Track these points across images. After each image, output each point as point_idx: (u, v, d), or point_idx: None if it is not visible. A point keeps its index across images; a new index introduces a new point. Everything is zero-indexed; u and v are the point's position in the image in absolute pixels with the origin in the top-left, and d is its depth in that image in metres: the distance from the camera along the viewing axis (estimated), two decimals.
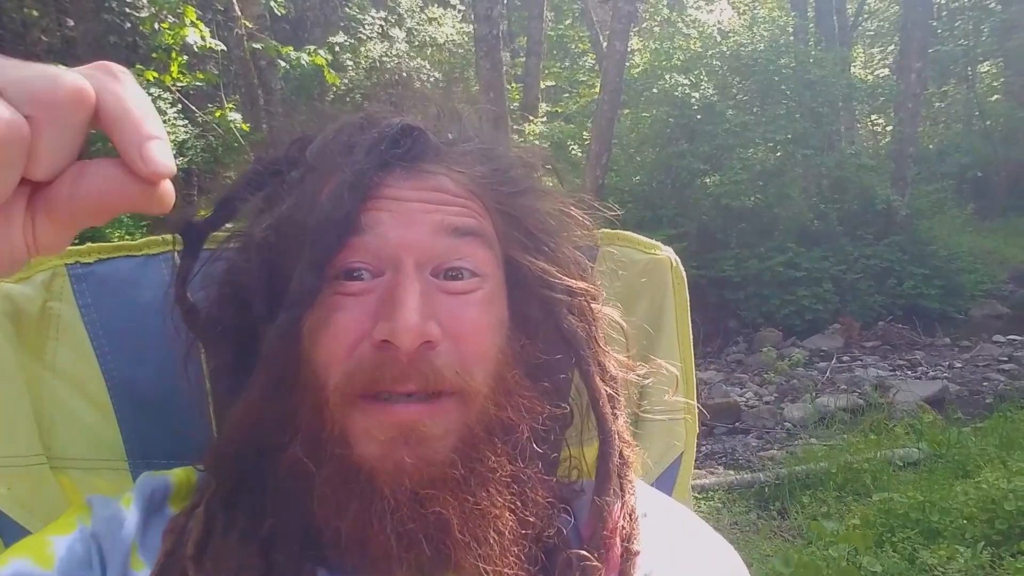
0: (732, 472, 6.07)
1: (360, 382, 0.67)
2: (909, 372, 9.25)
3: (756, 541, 4.56)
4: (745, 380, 9.16)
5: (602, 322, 0.82)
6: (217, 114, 7.93)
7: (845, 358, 10.04)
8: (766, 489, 5.38)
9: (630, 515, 0.76)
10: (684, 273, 1.01)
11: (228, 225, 0.83)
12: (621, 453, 0.78)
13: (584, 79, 18.35)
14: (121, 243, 0.93)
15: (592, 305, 0.81)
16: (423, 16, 14.78)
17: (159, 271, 0.92)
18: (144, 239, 0.94)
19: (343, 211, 0.68)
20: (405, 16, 14.33)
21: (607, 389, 0.79)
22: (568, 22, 20.27)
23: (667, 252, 1.01)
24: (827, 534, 4.13)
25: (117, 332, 0.90)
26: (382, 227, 0.70)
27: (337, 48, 11.75)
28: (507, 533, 0.69)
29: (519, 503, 0.71)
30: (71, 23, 16.18)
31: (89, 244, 0.93)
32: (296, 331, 0.69)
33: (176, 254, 0.92)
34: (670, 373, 0.89)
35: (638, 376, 0.84)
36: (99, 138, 0.47)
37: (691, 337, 1.01)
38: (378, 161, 0.71)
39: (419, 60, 13.32)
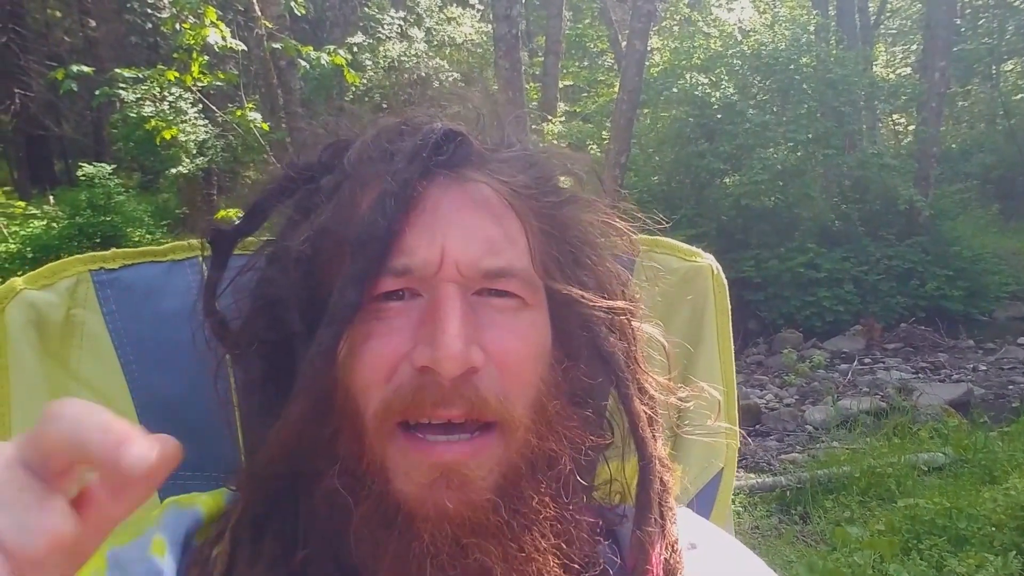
0: (753, 475, 6.01)
1: (399, 409, 0.64)
2: (932, 375, 9.14)
3: (778, 546, 4.50)
4: (765, 382, 9.09)
5: (641, 340, 0.79)
6: (237, 114, 7.94)
7: (867, 360, 9.94)
8: (787, 493, 5.32)
9: (672, 546, 0.73)
10: (725, 281, 0.98)
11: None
12: (662, 479, 0.75)
13: (603, 78, 18.32)
14: (146, 248, 0.91)
15: (632, 323, 0.78)
16: (442, 16, 14.80)
17: (184, 277, 0.90)
18: (169, 244, 0.92)
19: (385, 223, 0.65)
20: (424, 16, 14.36)
21: (647, 411, 0.75)
22: (587, 21, 20.22)
23: (708, 259, 0.98)
24: (852, 540, 4.07)
25: (142, 340, 0.88)
26: (425, 244, 0.66)
27: (356, 48, 11.77)
28: None
29: (563, 545, 0.67)
30: (93, 24, 16.33)
31: (113, 249, 0.91)
32: (336, 349, 0.66)
33: (203, 260, 0.90)
34: (712, 397, 0.85)
35: (679, 400, 0.81)
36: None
37: (732, 347, 0.98)
38: (421, 169, 0.68)
39: (438, 60, 13.32)
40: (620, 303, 0.75)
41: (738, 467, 6.49)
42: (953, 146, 18.73)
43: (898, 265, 12.06)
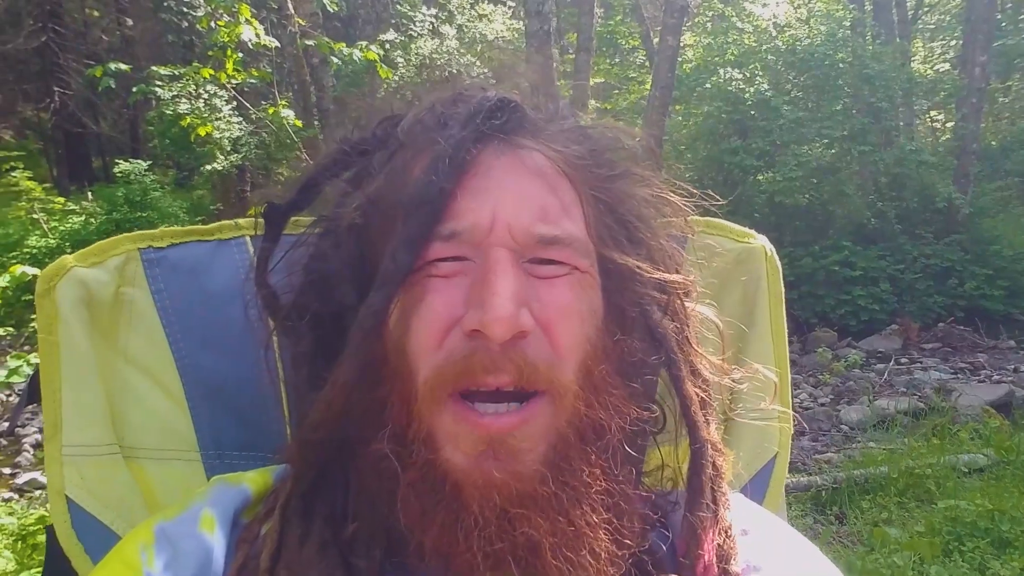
0: (788, 475, 5.92)
1: (451, 376, 0.63)
2: (972, 375, 8.96)
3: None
4: (800, 381, 8.96)
5: (695, 321, 0.77)
6: (270, 111, 8.01)
7: (903, 360, 9.77)
8: (823, 493, 5.24)
9: (726, 532, 0.71)
10: (779, 263, 0.95)
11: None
12: (714, 463, 0.73)
13: (635, 75, 18.22)
14: (193, 227, 0.92)
15: (684, 303, 0.76)
16: (473, 13, 14.79)
17: (231, 256, 0.90)
18: (216, 224, 0.92)
19: (438, 185, 0.64)
20: (455, 13, 14.37)
21: (700, 393, 0.74)
22: (619, 18, 20.10)
23: (761, 240, 0.96)
24: (891, 541, 4.00)
25: (189, 319, 0.88)
26: (476, 207, 0.66)
27: (388, 45, 11.82)
28: (603, 555, 0.64)
29: (614, 519, 0.66)
30: (130, 22, 16.59)
31: (162, 228, 0.91)
32: (386, 311, 0.65)
33: (249, 239, 0.90)
34: (766, 378, 0.83)
35: (732, 381, 0.79)
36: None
37: (785, 329, 0.95)
38: (475, 134, 0.67)
39: (469, 57, 13.33)
40: (674, 277, 0.74)
41: None
42: (993, 143, 18.32)
43: (936, 264, 11.84)
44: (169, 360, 0.87)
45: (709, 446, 0.73)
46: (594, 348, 0.68)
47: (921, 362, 9.64)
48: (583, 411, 0.66)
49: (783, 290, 0.95)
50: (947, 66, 19.92)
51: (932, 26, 22.67)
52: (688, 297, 0.77)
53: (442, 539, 0.63)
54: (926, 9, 22.08)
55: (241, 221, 0.92)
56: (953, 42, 20.39)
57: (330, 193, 0.78)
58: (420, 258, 0.65)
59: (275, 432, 0.87)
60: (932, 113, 18.56)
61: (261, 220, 0.82)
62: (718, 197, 0.84)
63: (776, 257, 0.95)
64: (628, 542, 0.66)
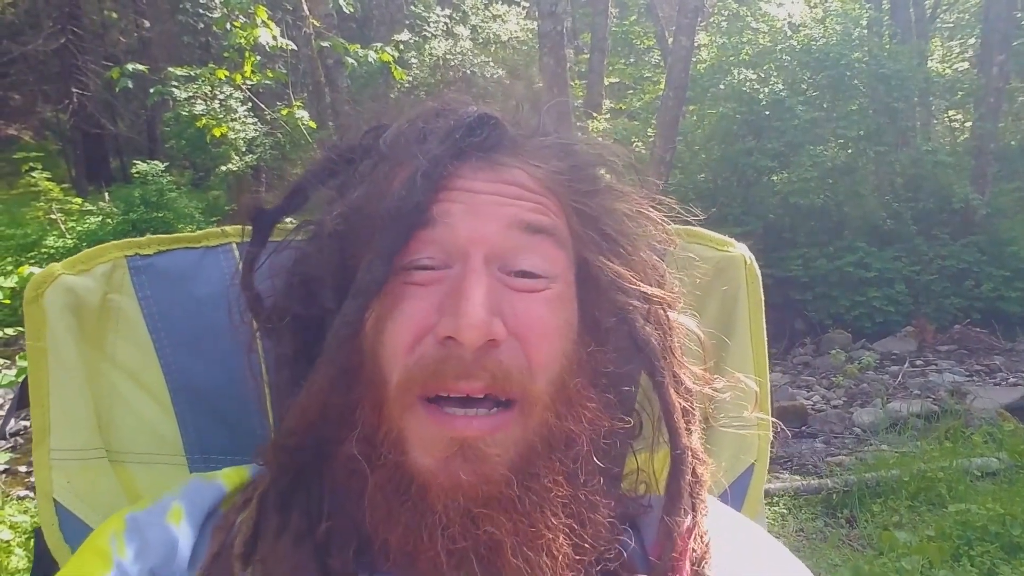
0: (798, 477, 5.90)
1: (420, 379, 0.65)
2: (987, 377, 8.87)
3: (824, 549, 4.41)
4: (812, 383, 8.91)
5: (678, 331, 0.78)
6: (285, 112, 8.07)
7: (918, 362, 9.68)
8: (834, 496, 5.21)
9: (701, 537, 0.72)
10: (759, 272, 0.96)
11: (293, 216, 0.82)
12: (694, 470, 0.74)
13: (649, 75, 18.16)
14: (180, 235, 0.93)
15: (668, 313, 0.77)
16: (487, 13, 14.82)
17: (218, 263, 0.91)
18: (203, 231, 0.93)
19: (414, 200, 0.66)
20: (469, 13, 14.40)
21: (681, 402, 0.75)
22: (633, 18, 20.06)
23: (740, 249, 0.96)
24: (900, 545, 3.97)
25: (175, 325, 0.89)
26: (452, 219, 0.67)
27: (402, 46, 11.86)
28: (560, 558, 0.66)
29: (576, 525, 0.67)
30: (147, 24, 16.72)
31: (149, 236, 0.92)
32: (361, 320, 0.67)
33: (236, 246, 0.91)
34: (748, 388, 0.84)
35: (714, 390, 0.80)
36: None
37: (765, 340, 0.95)
38: (453, 150, 0.69)
39: (483, 57, 13.34)
40: (656, 290, 0.75)
41: (784, 469, 6.33)
42: (1012, 143, 18.10)
43: (952, 265, 11.71)
44: (155, 365, 0.89)
45: (689, 453, 0.74)
46: (569, 362, 0.69)
47: (936, 364, 9.55)
48: (552, 422, 0.67)
49: (763, 298, 0.96)
50: (966, 65, 19.71)
51: (950, 24, 22.43)
52: (671, 308, 0.78)
53: (407, 539, 0.65)
54: (944, 7, 21.85)
55: (228, 228, 0.93)
56: (972, 40, 20.16)
57: (317, 199, 0.80)
58: (397, 268, 0.67)
59: (259, 436, 0.88)
60: (950, 113, 18.38)
61: (247, 227, 0.83)
62: (701, 213, 0.85)
63: (756, 265, 0.96)
64: (588, 546, 0.68)
